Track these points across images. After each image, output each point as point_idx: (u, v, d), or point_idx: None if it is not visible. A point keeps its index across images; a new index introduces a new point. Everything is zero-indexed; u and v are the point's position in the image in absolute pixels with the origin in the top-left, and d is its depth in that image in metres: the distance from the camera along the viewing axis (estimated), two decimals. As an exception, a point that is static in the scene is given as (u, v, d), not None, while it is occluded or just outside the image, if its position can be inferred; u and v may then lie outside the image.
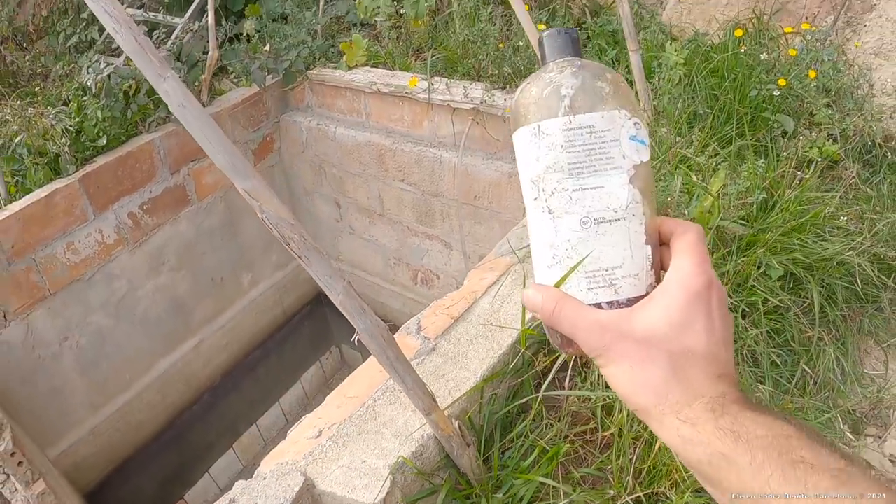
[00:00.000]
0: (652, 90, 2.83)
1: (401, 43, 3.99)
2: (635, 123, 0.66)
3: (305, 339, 5.25)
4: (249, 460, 4.95)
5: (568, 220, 0.66)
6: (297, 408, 5.27)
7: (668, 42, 3.24)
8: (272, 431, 5.10)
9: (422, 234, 4.13)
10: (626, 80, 2.96)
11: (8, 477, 2.84)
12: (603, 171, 0.65)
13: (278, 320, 4.98)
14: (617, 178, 0.65)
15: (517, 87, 3.30)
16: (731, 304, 2.03)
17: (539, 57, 0.72)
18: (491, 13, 3.62)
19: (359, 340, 1.30)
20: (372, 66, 3.91)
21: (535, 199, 0.67)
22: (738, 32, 3.18)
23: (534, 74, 0.69)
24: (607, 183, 0.65)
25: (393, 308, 4.70)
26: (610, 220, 0.65)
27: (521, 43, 3.34)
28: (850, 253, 2.25)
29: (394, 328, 1.94)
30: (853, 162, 2.78)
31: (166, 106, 3.73)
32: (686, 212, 2.28)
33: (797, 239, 2.25)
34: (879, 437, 2.11)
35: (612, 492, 1.64)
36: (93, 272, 3.67)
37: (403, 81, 3.59)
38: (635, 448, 1.68)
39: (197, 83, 4.04)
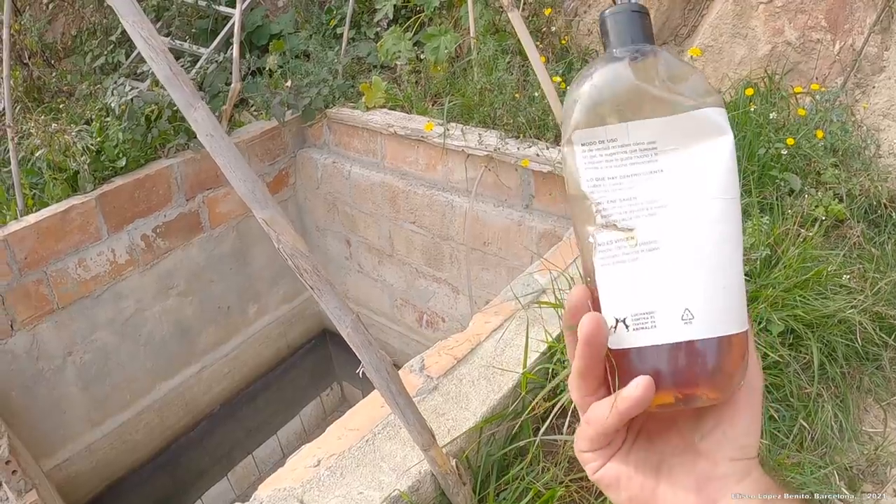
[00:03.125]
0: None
1: (419, 87, 4.06)
2: None
3: (307, 374, 5.25)
4: (243, 490, 4.93)
5: None
6: (295, 441, 5.25)
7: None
8: (268, 464, 5.09)
9: (430, 277, 4.17)
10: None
11: (0, 485, 2.85)
12: None
13: (282, 353, 5.00)
14: None
15: (533, 136, 3.38)
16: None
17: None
18: (509, 63, 3.69)
19: (363, 373, 1.34)
20: (390, 108, 3.98)
21: None
22: (749, 91, 3.24)
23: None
24: None
25: (396, 349, 4.71)
26: None
27: (536, 93, 3.41)
28: (851, 311, 2.27)
29: (396, 367, 1.97)
30: (858, 221, 2.81)
31: (186, 133, 3.84)
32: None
33: (799, 296, 2.28)
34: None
35: (604, 539, 1.65)
36: (102, 290, 3.71)
37: (419, 125, 3.65)
38: (629, 497, 1.70)
39: (218, 113, 4.12)
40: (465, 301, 3.97)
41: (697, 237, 0.55)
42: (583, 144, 0.55)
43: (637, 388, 0.53)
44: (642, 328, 0.55)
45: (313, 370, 5.31)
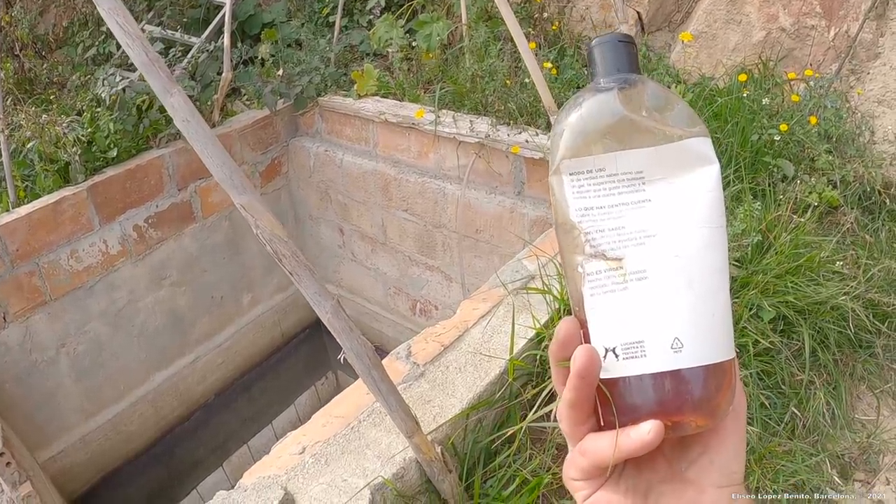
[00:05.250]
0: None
1: (411, 74, 4.04)
2: None
3: (302, 363, 5.24)
4: (238, 480, 4.92)
5: None
6: (290, 430, 5.23)
7: (674, 85, 3.28)
8: (263, 453, 5.04)
9: (422, 265, 4.16)
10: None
11: (-5, 477, 2.84)
12: None
13: (276, 342, 4.98)
14: None
15: (524, 123, 3.37)
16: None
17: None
18: (500, 49, 3.67)
19: (345, 359, 1.33)
20: (382, 96, 3.95)
21: None
22: (742, 77, 3.22)
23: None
24: None
25: (390, 337, 4.71)
26: None
27: (527, 80, 3.39)
28: (843, 297, 2.26)
29: (385, 354, 1.96)
30: (852, 208, 2.80)
31: (178, 122, 3.82)
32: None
33: (790, 282, 2.26)
34: (868, 483, 2.10)
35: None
36: (94, 281, 3.70)
37: (411, 112, 3.63)
38: (617, 483, 1.68)
39: (210, 103, 4.10)
40: (458, 289, 3.96)
41: (686, 266, 0.55)
42: (571, 174, 0.56)
43: (649, 432, 0.53)
44: (632, 357, 0.55)
45: (308, 359, 5.29)
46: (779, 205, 2.60)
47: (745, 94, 3.08)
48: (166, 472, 4.43)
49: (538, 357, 1.95)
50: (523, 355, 1.89)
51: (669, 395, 0.55)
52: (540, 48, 3.80)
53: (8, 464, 2.85)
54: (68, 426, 3.84)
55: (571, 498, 1.73)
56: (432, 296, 4.23)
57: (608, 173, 0.55)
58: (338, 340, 1.28)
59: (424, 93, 3.90)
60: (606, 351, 0.55)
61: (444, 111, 3.57)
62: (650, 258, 0.55)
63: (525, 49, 2.33)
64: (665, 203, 0.55)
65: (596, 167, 0.55)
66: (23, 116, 3.55)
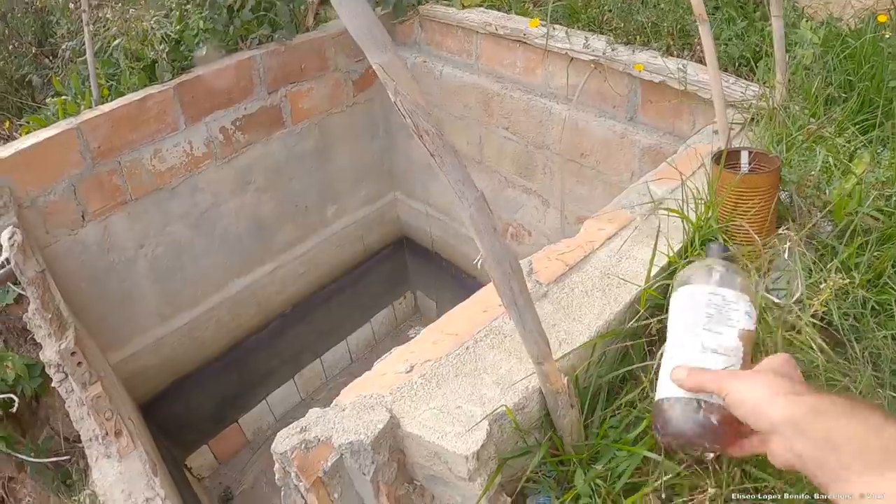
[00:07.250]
0: (785, 66, 2.58)
1: (520, -14, 3.77)
2: (750, 303, 1.14)
3: (382, 280, 5.13)
4: (309, 394, 4.89)
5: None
6: (364, 349, 5.18)
7: (804, 20, 2.99)
8: (335, 370, 5.02)
9: (519, 187, 3.93)
10: (765, 49, 2.75)
11: (66, 376, 2.77)
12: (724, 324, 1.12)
13: (358, 257, 4.86)
14: (730, 332, 1.11)
15: (643, 43, 3.08)
16: (862, 298, 1.79)
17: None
18: (622, -39, 3.37)
19: (481, 264, 1.13)
20: (487, 8, 3.70)
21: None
22: (882, 18, 2.91)
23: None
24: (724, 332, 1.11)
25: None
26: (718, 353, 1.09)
27: (653, -6, 3.10)
28: None
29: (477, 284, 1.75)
30: None
31: (270, 24, 3.63)
32: (826, 191, 2.07)
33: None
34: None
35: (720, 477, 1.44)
36: (177, 182, 3.58)
37: (521, 25, 3.36)
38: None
39: (303, 7, 3.91)
40: (555, 214, 3.73)
41: None
42: None
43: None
44: None
45: (389, 277, 5.19)
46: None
47: (887, 36, 2.77)
48: (238, 379, 4.39)
49: (669, 288, 1.73)
50: (655, 285, 1.67)
51: None
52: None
53: (79, 363, 2.76)
54: (143, 329, 3.78)
55: (700, 452, 1.52)
56: (526, 220, 4.01)
57: None
58: (477, 241, 1.08)
59: (533, 7, 3.62)
60: None
61: (556, 26, 3.30)
62: None
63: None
64: None
65: None
66: (109, 12, 3.40)
